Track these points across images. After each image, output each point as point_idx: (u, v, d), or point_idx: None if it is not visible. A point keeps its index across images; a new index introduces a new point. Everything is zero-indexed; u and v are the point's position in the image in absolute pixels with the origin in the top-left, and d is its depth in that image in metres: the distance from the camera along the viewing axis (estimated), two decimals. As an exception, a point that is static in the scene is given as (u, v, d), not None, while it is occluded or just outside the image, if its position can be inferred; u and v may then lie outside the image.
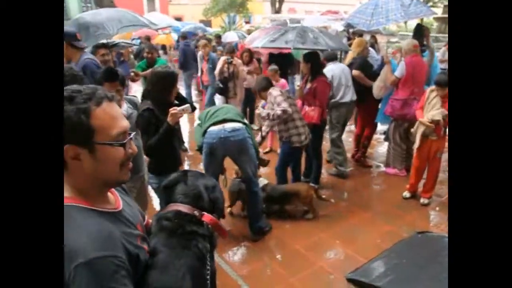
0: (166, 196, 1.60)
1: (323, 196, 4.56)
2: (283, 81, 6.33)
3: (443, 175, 5.07)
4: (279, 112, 4.15)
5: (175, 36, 15.62)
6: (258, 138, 4.55)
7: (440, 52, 9.47)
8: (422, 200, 4.69)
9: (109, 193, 1.30)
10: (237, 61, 6.91)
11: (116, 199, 1.32)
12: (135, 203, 1.49)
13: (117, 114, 1.18)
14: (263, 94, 4.47)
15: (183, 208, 1.48)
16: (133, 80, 6.12)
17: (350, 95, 5.27)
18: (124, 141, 1.17)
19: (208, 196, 1.60)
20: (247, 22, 26.74)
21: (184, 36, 10.68)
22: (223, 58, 6.91)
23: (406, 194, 4.85)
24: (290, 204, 4.40)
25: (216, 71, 6.90)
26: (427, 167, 4.66)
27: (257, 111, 4.60)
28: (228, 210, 4.41)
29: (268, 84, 4.43)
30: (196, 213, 1.48)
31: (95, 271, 1.02)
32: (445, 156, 4.83)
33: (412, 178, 4.81)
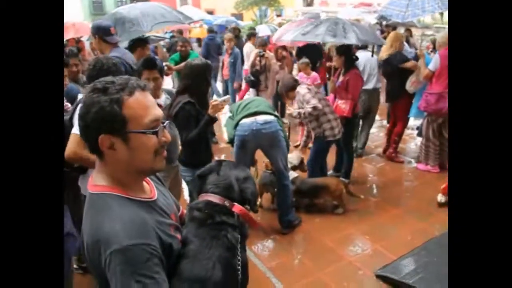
0: (200, 185, 1.61)
1: (353, 192, 4.53)
2: (314, 74, 6.28)
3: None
4: (309, 109, 4.15)
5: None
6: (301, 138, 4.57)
7: None
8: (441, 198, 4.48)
9: (144, 183, 1.33)
10: (269, 54, 6.90)
11: (151, 188, 1.34)
12: (169, 193, 1.52)
13: (149, 103, 1.19)
14: (290, 94, 4.44)
15: (214, 198, 1.50)
16: (166, 74, 6.21)
17: (373, 83, 5.43)
18: (157, 129, 1.18)
19: (239, 187, 1.60)
20: (278, 15, 26.59)
21: (211, 30, 10.74)
22: (255, 51, 6.92)
23: (442, 198, 4.47)
24: (320, 198, 4.39)
25: (248, 64, 6.92)
26: None
27: (288, 112, 4.57)
28: (258, 202, 4.44)
29: (295, 84, 4.41)
30: (227, 203, 1.49)
31: (129, 257, 1.05)
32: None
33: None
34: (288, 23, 9.94)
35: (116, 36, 4.08)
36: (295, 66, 7.91)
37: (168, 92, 3.44)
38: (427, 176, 5.28)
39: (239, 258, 1.43)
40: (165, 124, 1.24)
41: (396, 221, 4.21)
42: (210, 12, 29.12)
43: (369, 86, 5.49)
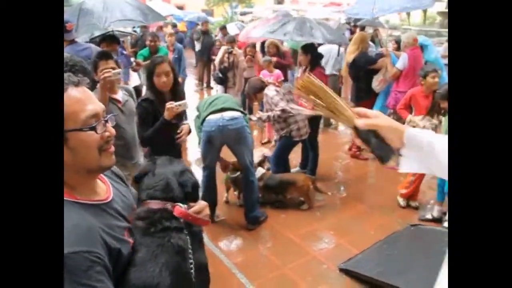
0: (138, 191, 1.55)
1: (320, 188, 4.60)
2: (277, 71, 6.30)
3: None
4: (278, 112, 4.18)
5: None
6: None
7: (443, 48, 9.47)
8: (412, 203, 4.50)
9: (100, 183, 1.27)
10: (237, 51, 6.89)
11: (107, 188, 1.29)
12: (131, 192, 1.48)
13: (85, 97, 1.14)
14: (258, 96, 4.45)
15: (154, 204, 1.44)
16: (134, 70, 6.12)
17: (329, 69, 5.84)
18: (94, 125, 1.12)
19: (178, 182, 1.55)
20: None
21: (174, 25, 10.66)
22: (223, 48, 6.90)
23: (402, 202, 4.49)
24: (287, 193, 4.43)
25: (216, 61, 6.89)
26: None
27: (257, 115, 4.58)
28: (224, 198, 4.45)
29: (262, 85, 4.42)
30: (168, 206, 1.44)
31: (69, 266, 0.99)
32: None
33: (412, 187, 4.44)
34: (255, 21, 9.97)
35: (73, 32, 3.97)
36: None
37: (126, 89, 3.36)
38: (391, 173, 5.39)
39: (191, 261, 1.40)
40: (106, 118, 1.18)
41: (360, 217, 4.30)
42: (180, 7, 28.77)
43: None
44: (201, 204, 1.56)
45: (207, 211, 1.56)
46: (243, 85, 6.91)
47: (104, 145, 1.17)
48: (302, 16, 5.76)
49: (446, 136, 1.25)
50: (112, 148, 1.22)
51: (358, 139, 1.20)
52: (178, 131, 3.18)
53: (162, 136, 3.06)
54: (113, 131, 1.21)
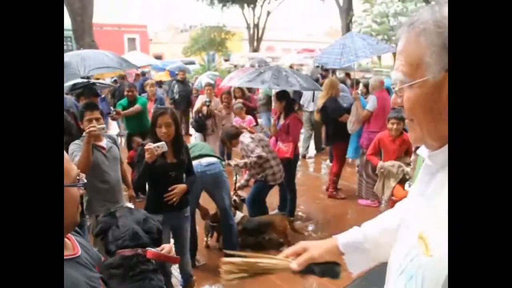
0: (104, 245, 1.60)
1: (297, 228, 4.68)
2: (249, 117, 6.51)
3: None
4: (255, 159, 4.31)
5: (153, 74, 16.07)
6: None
7: None
8: None
9: (65, 239, 1.28)
10: (215, 100, 7.06)
11: (73, 244, 1.30)
12: (89, 244, 1.52)
13: (68, 157, 1.20)
14: (233, 142, 4.58)
15: (126, 252, 1.51)
16: (114, 119, 6.24)
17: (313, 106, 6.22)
18: (83, 182, 1.19)
19: (143, 229, 1.62)
20: (226, 60, 27.34)
21: (142, 73, 10.96)
22: (202, 98, 7.05)
23: None
24: (266, 235, 4.49)
25: (194, 109, 7.04)
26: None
27: (233, 163, 4.67)
28: (204, 243, 4.47)
29: (237, 132, 4.56)
30: (140, 251, 1.51)
31: None
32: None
33: None
34: (236, 70, 10.33)
35: None
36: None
37: (109, 137, 3.51)
38: (368, 210, 5.54)
39: None
40: (82, 177, 1.24)
41: (339, 255, 4.36)
42: (159, 57, 29.42)
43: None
44: (168, 245, 1.66)
45: (173, 251, 1.64)
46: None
47: (79, 202, 1.23)
48: (277, 65, 6.02)
49: (382, 216, 1.30)
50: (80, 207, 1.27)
51: (302, 276, 1.26)
52: (171, 188, 3.15)
53: (159, 185, 3.14)
54: (82, 190, 1.26)
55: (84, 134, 3.08)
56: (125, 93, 6.35)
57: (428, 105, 0.85)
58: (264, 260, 1.26)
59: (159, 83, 14.46)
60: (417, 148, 4.07)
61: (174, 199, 3.13)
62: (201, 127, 6.89)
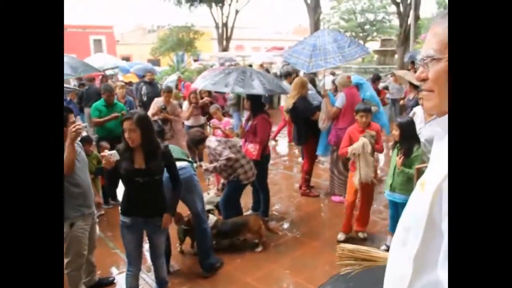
0: None
1: (272, 228, 4.67)
2: (226, 119, 6.46)
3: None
4: (224, 161, 4.28)
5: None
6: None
7: (388, 82, 10.11)
8: (360, 235, 4.67)
9: None
10: (172, 103, 6.91)
11: None
12: None
13: None
14: (200, 148, 4.55)
15: None
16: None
17: None
18: None
19: None
20: (195, 60, 27.12)
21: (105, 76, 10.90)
22: (157, 101, 6.87)
23: (341, 236, 4.62)
24: (240, 235, 4.47)
25: (149, 114, 6.83)
26: (361, 201, 4.65)
27: (203, 168, 4.65)
28: (178, 248, 4.40)
29: (203, 136, 4.50)
30: None
31: None
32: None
33: (344, 220, 4.68)
34: (208, 70, 10.29)
35: None
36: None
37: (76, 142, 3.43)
38: (341, 207, 5.58)
39: None
40: None
41: (315, 253, 4.39)
42: (126, 59, 28.91)
43: None
44: None
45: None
46: (185, 134, 6.92)
47: None
48: (242, 67, 5.93)
49: None
50: None
51: None
52: (159, 223, 3.20)
53: (127, 190, 3.18)
54: None
55: (70, 134, 3.11)
56: (104, 96, 6.03)
57: None
58: (372, 250, 1.46)
59: (130, 84, 14.28)
60: (396, 143, 4.13)
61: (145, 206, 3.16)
62: (159, 133, 6.45)
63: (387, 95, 9.83)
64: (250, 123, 4.99)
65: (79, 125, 3.23)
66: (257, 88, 4.65)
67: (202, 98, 7.73)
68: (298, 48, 5.98)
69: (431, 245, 1.02)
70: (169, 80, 13.51)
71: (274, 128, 10.50)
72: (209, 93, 8.04)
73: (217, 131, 6.00)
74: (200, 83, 5.26)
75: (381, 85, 9.87)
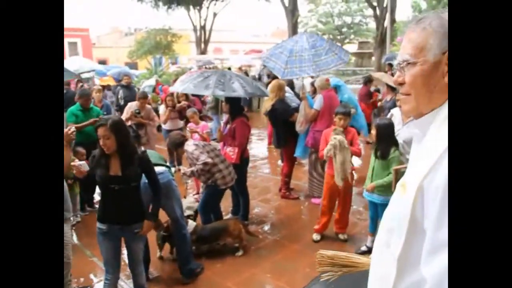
0: None
1: (252, 232, 4.64)
2: (203, 123, 6.40)
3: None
4: (201, 166, 4.23)
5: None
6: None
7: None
8: (341, 236, 4.70)
9: None
10: (147, 108, 6.80)
11: None
12: None
13: None
14: (179, 151, 4.49)
15: None
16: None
17: None
18: None
19: None
20: (173, 63, 26.94)
21: (78, 81, 10.73)
22: (131, 105, 6.74)
23: (317, 237, 4.69)
24: (220, 240, 4.42)
25: (123, 118, 6.73)
26: (338, 202, 4.68)
27: (181, 172, 4.60)
28: (157, 254, 4.33)
29: (183, 139, 4.46)
30: None
31: None
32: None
33: (322, 222, 4.70)
34: (186, 73, 10.20)
35: None
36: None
37: None
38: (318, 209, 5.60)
39: None
40: None
41: (295, 256, 4.38)
42: (103, 62, 28.53)
43: None
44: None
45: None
46: (160, 139, 6.82)
47: None
48: (222, 70, 5.88)
49: None
50: None
51: None
52: (136, 230, 3.13)
53: (103, 197, 3.18)
54: None
55: (65, 137, 3.10)
56: (80, 101, 5.85)
57: (427, 79, 1.07)
58: (352, 255, 1.45)
59: (108, 88, 14.08)
60: (374, 144, 4.15)
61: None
62: (134, 138, 6.35)
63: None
64: (228, 126, 4.96)
65: (69, 128, 3.17)
66: (238, 90, 4.63)
67: (179, 101, 7.66)
68: (276, 52, 5.95)
69: (414, 245, 1.04)
70: (147, 84, 13.37)
71: (254, 131, 10.51)
72: (187, 96, 7.96)
73: (194, 135, 5.94)
74: (179, 87, 5.19)
75: (372, 87, 9.93)
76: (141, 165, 3.10)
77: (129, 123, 6.33)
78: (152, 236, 4.24)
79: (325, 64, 5.59)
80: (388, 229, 1.18)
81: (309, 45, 5.73)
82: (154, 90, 12.34)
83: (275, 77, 8.38)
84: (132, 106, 6.70)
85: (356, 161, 7.58)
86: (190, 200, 4.93)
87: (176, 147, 4.42)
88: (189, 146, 4.36)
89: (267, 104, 5.81)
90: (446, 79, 1.03)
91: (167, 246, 4.36)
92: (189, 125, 6.45)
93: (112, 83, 14.77)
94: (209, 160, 4.26)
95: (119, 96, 9.39)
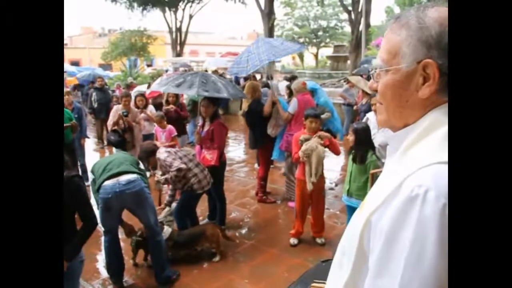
0: None
1: (229, 236, 4.59)
2: (170, 127, 6.31)
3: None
4: (174, 172, 4.16)
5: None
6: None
7: (343, 88, 10.26)
8: (318, 240, 4.69)
9: None
10: (133, 110, 6.70)
11: None
12: None
13: None
14: (151, 160, 4.38)
15: None
16: None
17: None
18: None
19: None
20: (149, 65, 26.63)
21: None
22: (116, 108, 6.61)
23: (294, 241, 4.68)
24: (198, 245, 4.34)
25: (109, 123, 6.56)
26: (312, 206, 4.67)
27: (155, 179, 4.54)
28: (131, 261, 4.22)
29: (154, 148, 4.37)
30: None
31: None
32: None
33: (296, 225, 4.70)
34: (165, 74, 10.06)
35: None
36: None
37: None
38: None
39: None
40: None
41: (273, 261, 4.34)
42: (76, 63, 27.95)
43: None
44: None
45: None
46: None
47: None
48: (202, 72, 5.85)
49: None
50: None
51: None
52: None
53: None
54: None
55: None
56: None
57: (398, 91, 0.95)
58: None
59: (78, 87, 13.80)
60: (351, 148, 4.16)
61: None
62: (120, 143, 5.50)
63: (342, 101, 9.96)
64: (206, 128, 4.89)
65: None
66: (223, 92, 4.59)
67: (168, 102, 7.45)
68: (237, 59, 6.16)
69: (363, 273, 0.95)
70: (137, 90, 13.11)
71: (230, 134, 10.47)
72: (177, 99, 7.55)
73: (159, 137, 5.89)
74: (157, 87, 5.10)
75: (341, 90, 9.99)
76: (73, 196, 2.51)
77: (115, 127, 6.12)
78: (125, 243, 4.15)
79: (283, 50, 5.79)
80: (341, 250, 1.08)
81: (265, 42, 5.99)
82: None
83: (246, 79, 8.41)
84: (118, 108, 6.56)
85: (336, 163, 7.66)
86: (174, 206, 4.82)
87: (148, 156, 4.32)
88: (161, 153, 4.27)
89: (244, 105, 5.82)
90: (421, 93, 0.91)
91: (141, 252, 4.26)
92: (155, 129, 6.40)
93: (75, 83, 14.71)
94: (183, 165, 4.18)
95: (92, 99, 9.20)
